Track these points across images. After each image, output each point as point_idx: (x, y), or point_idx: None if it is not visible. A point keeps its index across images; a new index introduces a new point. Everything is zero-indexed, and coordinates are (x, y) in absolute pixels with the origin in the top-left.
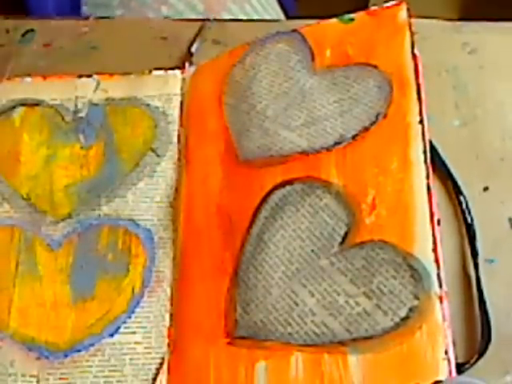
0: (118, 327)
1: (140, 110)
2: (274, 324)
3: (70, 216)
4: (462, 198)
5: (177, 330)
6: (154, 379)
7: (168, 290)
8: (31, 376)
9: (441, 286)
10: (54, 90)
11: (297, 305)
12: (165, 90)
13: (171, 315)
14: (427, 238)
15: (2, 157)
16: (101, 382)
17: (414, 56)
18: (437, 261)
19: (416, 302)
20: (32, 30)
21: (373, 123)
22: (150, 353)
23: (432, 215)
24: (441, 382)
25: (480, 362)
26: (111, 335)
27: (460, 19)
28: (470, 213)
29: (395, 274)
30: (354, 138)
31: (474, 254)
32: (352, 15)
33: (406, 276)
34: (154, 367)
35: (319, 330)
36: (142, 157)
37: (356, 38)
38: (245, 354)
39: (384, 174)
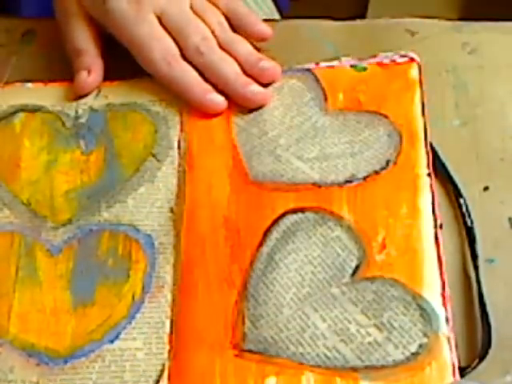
0: (119, 333)
1: (140, 116)
2: (286, 342)
3: (70, 221)
4: (462, 201)
5: (178, 337)
6: None
7: (169, 296)
8: (31, 382)
9: (448, 326)
10: (54, 96)
11: (308, 327)
12: (165, 94)
13: (172, 321)
14: (435, 281)
15: (3, 162)
16: None
17: (423, 113)
18: (444, 304)
19: (425, 340)
20: (32, 30)
21: (383, 168)
22: (150, 359)
23: (440, 261)
24: None
25: None
26: (111, 341)
27: (460, 19)
28: (470, 216)
29: (405, 311)
30: (364, 178)
31: (474, 257)
32: (364, 64)
33: (416, 314)
34: (154, 374)
35: (331, 354)
36: (143, 162)
37: (368, 86)
38: (254, 368)
39: (393, 217)
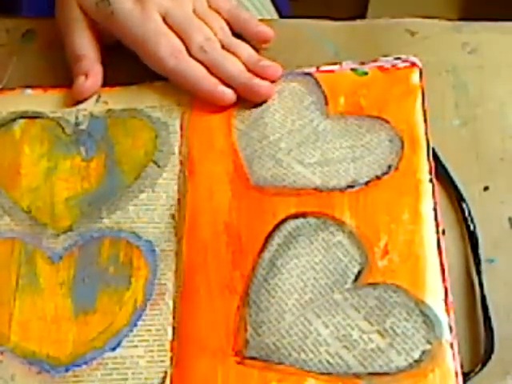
0: (120, 341)
1: (141, 122)
2: (288, 349)
3: (70, 228)
4: (464, 206)
5: (180, 344)
6: None
7: (170, 303)
8: None
9: (451, 333)
10: (54, 103)
11: (310, 333)
12: (166, 100)
13: (174, 328)
14: (438, 288)
15: (3, 169)
16: None
17: (425, 118)
18: (447, 311)
19: (428, 347)
20: (32, 30)
21: (384, 173)
22: (152, 367)
23: (443, 268)
24: None
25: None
26: (113, 349)
27: (460, 19)
28: (472, 220)
29: (408, 317)
30: (366, 183)
31: (477, 261)
32: (365, 69)
33: (419, 321)
34: (156, 381)
35: (333, 361)
36: (143, 168)
37: (369, 91)
38: (256, 375)
39: (396, 223)
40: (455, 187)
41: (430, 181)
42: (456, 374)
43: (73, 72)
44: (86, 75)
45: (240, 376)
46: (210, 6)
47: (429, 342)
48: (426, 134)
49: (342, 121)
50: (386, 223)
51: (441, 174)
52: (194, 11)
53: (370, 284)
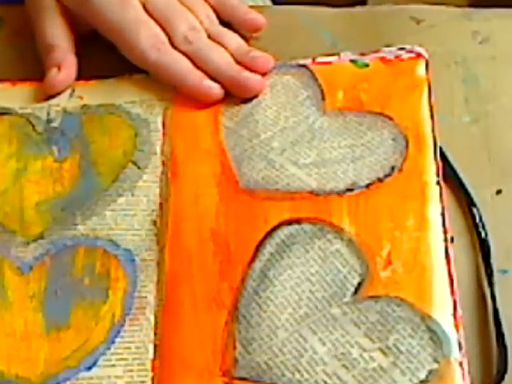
0: (96, 359)
1: (119, 118)
2: (281, 368)
3: (42, 236)
4: (474, 211)
5: (162, 363)
6: None
7: (151, 318)
8: None
9: (460, 350)
10: (24, 97)
11: (306, 351)
12: (146, 95)
13: (155, 346)
14: (446, 301)
15: None
16: None
17: (432, 114)
18: (456, 326)
19: (435, 366)
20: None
21: (387, 175)
22: None
23: (451, 279)
24: None
25: None
26: (89, 368)
27: (470, 5)
28: (484, 227)
29: (413, 333)
30: (367, 186)
31: (489, 272)
32: (366, 60)
33: (425, 337)
34: None
35: (331, 381)
36: (122, 170)
37: (370, 84)
38: None
39: (400, 230)
40: (465, 190)
41: (438, 183)
42: None
43: (44, 64)
44: (59, 67)
45: None
46: None
47: (436, 361)
48: (433, 131)
49: (340, 117)
50: (389, 230)
51: (449, 175)
52: None
53: (372, 297)
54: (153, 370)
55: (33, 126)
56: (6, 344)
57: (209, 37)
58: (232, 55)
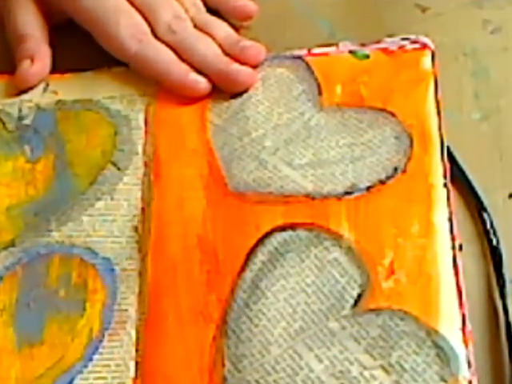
0: (73, 378)
1: (97, 115)
2: None
3: (13, 244)
4: (485, 216)
5: (144, 382)
6: None
7: (132, 333)
8: None
9: (470, 368)
10: None
11: (301, 369)
12: (127, 90)
13: (137, 364)
14: (454, 314)
15: None
16: None
17: (438, 111)
18: (465, 342)
19: None
20: None
21: (389, 177)
22: None
23: (459, 290)
24: None
25: None
26: None
27: None
28: (495, 233)
29: (418, 349)
30: (368, 189)
31: (501, 282)
32: (367, 51)
33: (431, 354)
34: None
35: None
36: (101, 171)
37: (371, 78)
38: None
39: (403, 237)
40: (475, 194)
41: (445, 186)
42: None
43: (15, 55)
44: (32, 59)
45: None
46: None
47: (443, 380)
48: (440, 129)
49: (338, 114)
50: (392, 237)
51: (457, 177)
52: None
53: (373, 310)
54: None
55: (3, 123)
56: None
57: (195, 26)
58: (220, 46)
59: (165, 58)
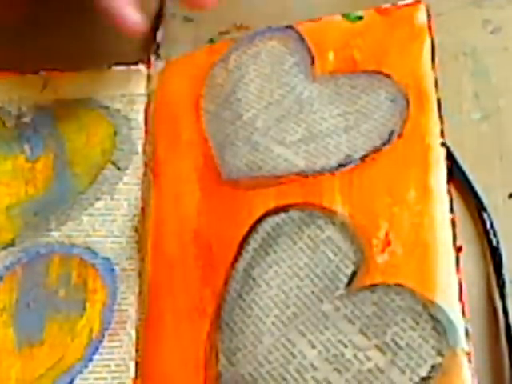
0: (73, 378)
1: (97, 114)
2: (266, 379)
3: (13, 243)
4: (485, 216)
5: (144, 382)
6: None
7: (132, 333)
8: None
9: (468, 340)
10: None
11: (294, 357)
12: (127, 89)
13: (137, 364)
14: (452, 284)
15: None
16: None
17: (434, 67)
18: (463, 312)
19: (439, 360)
20: None
21: (385, 143)
22: None
23: (457, 257)
24: None
25: None
26: None
27: None
28: (495, 234)
29: (414, 324)
30: (362, 159)
31: (501, 283)
32: (360, 13)
33: (427, 328)
34: None
35: None
36: (100, 171)
37: (364, 40)
38: None
39: (399, 205)
40: (474, 194)
41: (442, 145)
42: None
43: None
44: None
45: None
46: None
47: (440, 354)
48: (436, 85)
49: (331, 82)
50: (387, 206)
51: (457, 177)
52: None
53: (368, 287)
54: None
55: (2, 121)
56: None
57: None
58: None
59: None
